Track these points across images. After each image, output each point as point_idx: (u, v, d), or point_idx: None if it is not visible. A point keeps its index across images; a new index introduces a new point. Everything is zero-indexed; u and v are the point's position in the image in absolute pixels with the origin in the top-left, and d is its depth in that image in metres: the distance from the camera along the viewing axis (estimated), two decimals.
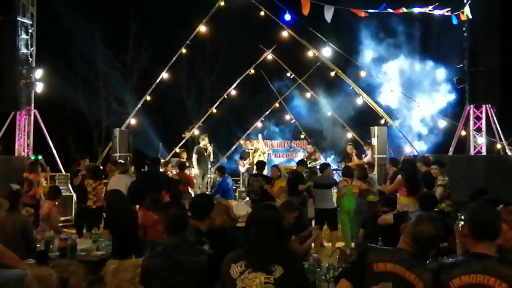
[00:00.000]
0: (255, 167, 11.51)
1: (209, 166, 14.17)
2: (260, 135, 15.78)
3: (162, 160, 14.76)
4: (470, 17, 13.12)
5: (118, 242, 6.12)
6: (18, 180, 9.83)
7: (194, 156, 13.75)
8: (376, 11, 13.46)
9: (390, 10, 13.48)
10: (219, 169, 12.18)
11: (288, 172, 11.76)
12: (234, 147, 18.02)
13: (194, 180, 12.64)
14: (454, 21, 13.53)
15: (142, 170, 11.85)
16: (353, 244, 8.98)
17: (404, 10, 13.60)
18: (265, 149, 15.14)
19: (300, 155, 16.03)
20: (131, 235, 6.16)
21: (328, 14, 12.67)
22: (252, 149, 14.97)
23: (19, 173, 11.54)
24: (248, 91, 18.91)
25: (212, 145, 14.73)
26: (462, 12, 13.20)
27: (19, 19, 13.54)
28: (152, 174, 10.06)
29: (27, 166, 11.13)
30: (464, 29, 13.65)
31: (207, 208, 4.19)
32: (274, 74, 17.97)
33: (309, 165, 13.24)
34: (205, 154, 13.79)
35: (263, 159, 13.80)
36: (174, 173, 12.21)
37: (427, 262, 4.39)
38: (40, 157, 12.81)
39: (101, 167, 11.39)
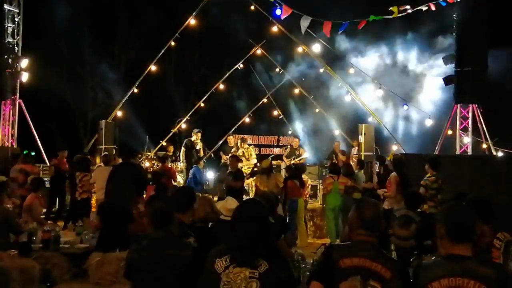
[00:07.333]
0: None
1: (199, 160, 13.95)
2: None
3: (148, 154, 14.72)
4: None
5: (104, 234, 6.07)
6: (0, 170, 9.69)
7: (182, 149, 13.63)
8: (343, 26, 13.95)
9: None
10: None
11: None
12: (220, 142, 17.95)
13: (178, 175, 12.52)
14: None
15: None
16: (338, 241, 9.00)
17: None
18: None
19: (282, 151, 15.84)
20: (119, 228, 6.11)
21: (304, 24, 13.10)
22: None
23: (2, 163, 11.37)
24: (236, 85, 18.84)
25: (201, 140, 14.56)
26: None
27: (6, 7, 13.35)
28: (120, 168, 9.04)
29: (21, 158, 10.70)
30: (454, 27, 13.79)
31: (189, 200, 4.18)
32: (263, 69, 17.92)
33: (292, 161, 13.21)
34: (194, 149, 13.53)
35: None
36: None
37: (411, 259, 4.49)
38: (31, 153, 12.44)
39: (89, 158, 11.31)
